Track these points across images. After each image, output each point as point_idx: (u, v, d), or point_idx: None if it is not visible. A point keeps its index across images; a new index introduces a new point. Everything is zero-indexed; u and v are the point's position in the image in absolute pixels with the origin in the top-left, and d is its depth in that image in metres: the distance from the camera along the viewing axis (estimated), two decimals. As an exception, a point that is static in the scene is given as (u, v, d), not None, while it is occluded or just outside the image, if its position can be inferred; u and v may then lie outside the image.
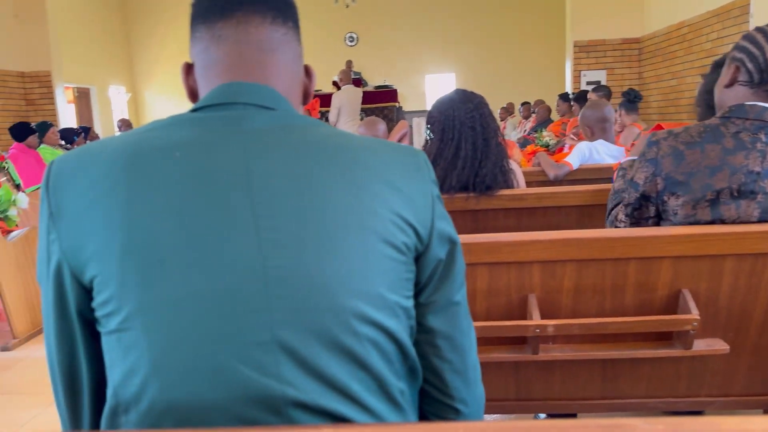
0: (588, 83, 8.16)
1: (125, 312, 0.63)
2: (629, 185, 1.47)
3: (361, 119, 8.05)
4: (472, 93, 2.10)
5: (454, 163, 2.00)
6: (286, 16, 0.78)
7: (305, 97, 0.84)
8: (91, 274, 0.65)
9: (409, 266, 0.71)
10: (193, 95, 0.81)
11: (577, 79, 8.46)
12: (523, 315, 1.38)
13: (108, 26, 12.29)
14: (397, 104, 10.67)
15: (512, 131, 9.16)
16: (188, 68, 0.80)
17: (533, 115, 8.46)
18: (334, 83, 8.22)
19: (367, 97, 9.60)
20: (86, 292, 0.67)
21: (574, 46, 8.45)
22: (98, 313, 0.66)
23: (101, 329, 0.66)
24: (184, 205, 0.65)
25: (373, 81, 11.61)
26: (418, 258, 0.73)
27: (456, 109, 2.03)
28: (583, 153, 2.84)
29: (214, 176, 0.66)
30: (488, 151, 2.01)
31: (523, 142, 5.52)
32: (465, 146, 1.99)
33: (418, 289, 0.75)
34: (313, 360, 0.64)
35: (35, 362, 2.98)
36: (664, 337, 1.39)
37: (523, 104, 9.63)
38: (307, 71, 0.84)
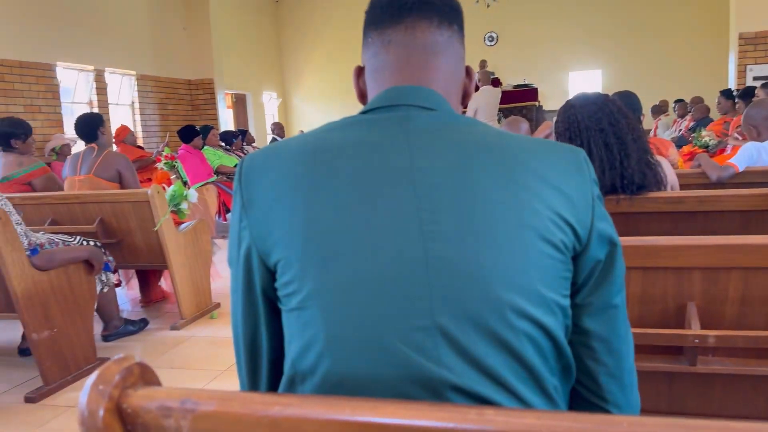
0: (755, 78, 7.42)
1: (304, 292, 0.70)
2: None
3: (499, 120, 7.96)
4: (595, 94, 2.05)
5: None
6: (452, 20, 0.82)
7: (465, 97, 0.88)
8: (276, 257, 0.73)
9: (566, 265, 0.72)
10: (362, 96, 0.87)
11: (741, 74, 7.72)
12: (680, 323, 1.31)
13: (262, 36, 13.22)
14: (537, 103, 10.41)
15: (665, 131, 8.56)
16: (359, 71, 0.87)
17: (690, 114, 7.85)
18: (474, 84, 8.19)
19: (506, 97, 9.47)
20: (271, 274, 0.75)
21: (740, 39, 7.72)
22: (280, 293, 0.74)
23: (282, 307, 0.74)
24: (357, 198, 0.71)
25: (513, 80, 11.40)
26: (576, 258, 0.73)
27: (578, 114, 1.98)
28: (751, 154, 2.61)
29: (382, 173, 0.72)
30: (626, 148, 1.92)
31: (679, 142, 5.15)
32: (596, 149, 1.92)
33: (575, 290, 0.75)
34: (470, 348, 0.67)
35: (200, 340, 3.32)
36: None
37: (677, 102, 8.97)
38: (468, 72, 0.87)
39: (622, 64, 12.00)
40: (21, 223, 2.72)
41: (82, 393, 0.58)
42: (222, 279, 4.21)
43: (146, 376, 0.62)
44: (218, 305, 3.84)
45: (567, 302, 0.73)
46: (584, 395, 0.79)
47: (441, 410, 0.54)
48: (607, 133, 1.92)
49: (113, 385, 0.58)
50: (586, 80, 12.26)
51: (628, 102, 2.31)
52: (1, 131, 3.62)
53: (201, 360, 3.00)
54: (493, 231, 0.68)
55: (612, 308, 0.76)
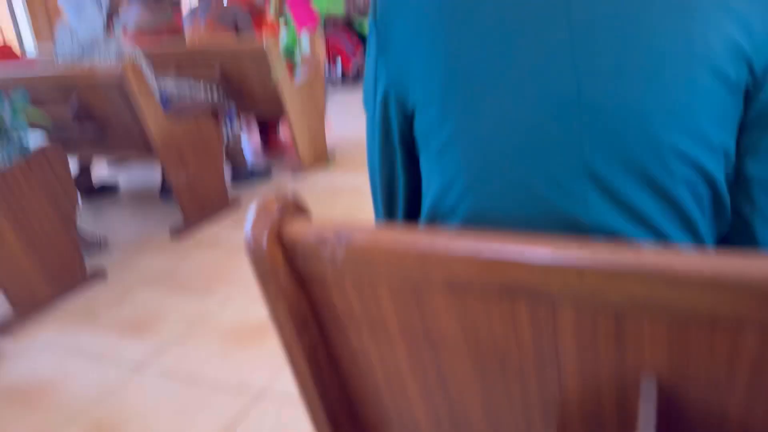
0: None
1: (446, 133, 0.69)
2: None
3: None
4: None
5: None
6: None
7: None
8: (414, 98, 0.71)
9: (738, 104, 0.65)
10: None
11: None
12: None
13: None
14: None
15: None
16: None
17: None
18: None
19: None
20: (408, 119, 0.74)
21: None
22: (418, 133, 0.73)
23: (421, 146, 0.74)
24: (503, 34, 0.66)
25: None
26: (749, 95, 0.66)
27: None
28: None
29: (533, 5, 0.66)
30: None
31: None
32: None
33: (741, 129, 0.68)
34: (622, 191, 0.64)
35: (318, 186, 3.49)
36: None
37: None
38: None
39: None
40: (151, 73, 2.88)
41: (246, 223, 0.63)
42: (333, 131, 4.31)
43: (300, 210, 0.66)
44: (332, 154, 3.97)
45: (733, 144, 0.67)
46: (737, 244, 0.75)
47: (594, 249, 0.53)
48: None
49: (274, 216, 0.62)
50: None
51: None
52: None
53: (321, 204, 3.18)
54: (657, 65, 0.62)
55: (780, 152, 0.69)
